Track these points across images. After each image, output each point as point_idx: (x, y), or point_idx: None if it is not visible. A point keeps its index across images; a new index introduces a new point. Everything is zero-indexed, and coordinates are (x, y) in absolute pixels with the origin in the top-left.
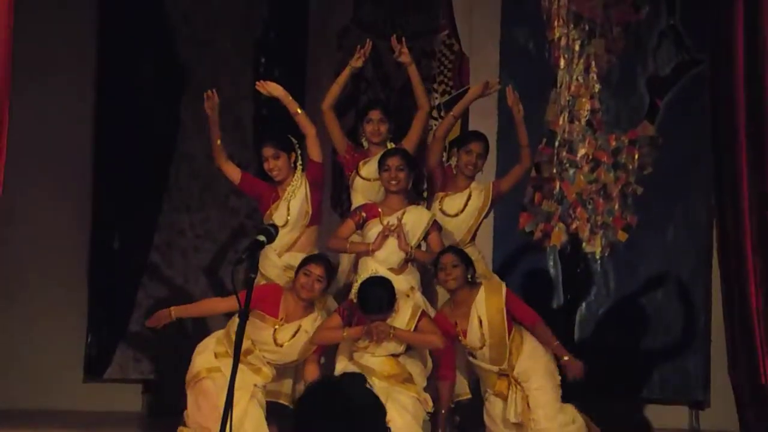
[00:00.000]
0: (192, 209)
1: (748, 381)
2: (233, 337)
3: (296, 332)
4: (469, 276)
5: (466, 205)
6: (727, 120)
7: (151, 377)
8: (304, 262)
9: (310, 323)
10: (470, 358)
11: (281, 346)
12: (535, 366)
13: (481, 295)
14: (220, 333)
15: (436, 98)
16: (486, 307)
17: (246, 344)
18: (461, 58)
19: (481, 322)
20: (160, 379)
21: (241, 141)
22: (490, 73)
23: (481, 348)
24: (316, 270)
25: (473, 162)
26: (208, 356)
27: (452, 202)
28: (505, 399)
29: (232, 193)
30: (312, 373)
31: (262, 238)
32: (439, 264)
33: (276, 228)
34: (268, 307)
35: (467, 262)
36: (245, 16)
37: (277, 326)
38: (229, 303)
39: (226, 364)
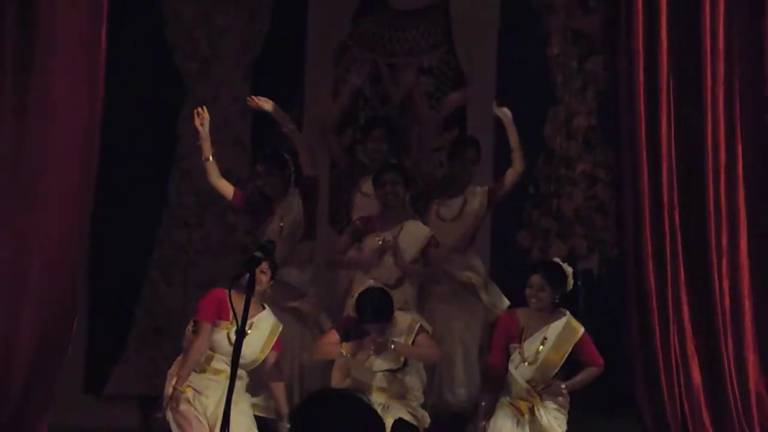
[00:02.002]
0: (191, 225)
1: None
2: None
3: (249, 328)
4: (556, 298)
5: (462, 210)
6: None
7: (149, 393)
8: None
9: (263, 321)
10: (510, 366)
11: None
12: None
13: (561, 324)
14: (179, 358)
15: (434, 115)
16: (558, 336)
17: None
18: (459, 75)
19: (544, 343)
20: (158, 395)
21: (240, 157)
22: (487, 90)
23: (529, 363)
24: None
25: (466, 168)
26: (173, 379)
27: (448, 207)
28: (521, 415)
29: (231, 209)
30: (279, 388)
31: (259, 254)
32: (528, 281)
33: (273, 244)
34: (222, 313)
35: (556, 285)
36: (245, 33)
37: (229, 328)
38: (205, 336)
39: (191, 377)
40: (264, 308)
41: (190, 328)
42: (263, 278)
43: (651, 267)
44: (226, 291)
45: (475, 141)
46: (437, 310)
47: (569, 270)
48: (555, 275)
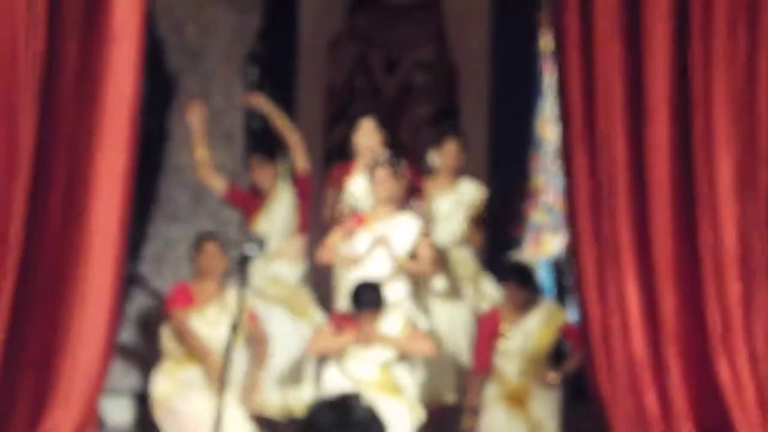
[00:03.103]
0: (182, 221)
1: None
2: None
3: (218, 310)
4: (533, 297)
5: (454, 203)
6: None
7: (139, 388)
8: (197, 244)
9: (226, 298)
10: (498, 361)
11: (208, 326)
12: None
13: (543, 312)
14: (168, 362)
15: (427, 109)
16: (541, 324)
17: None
18: (451, 69)
19: (529, 333)
20: (149, 391)
21: (232, 152)
22: (479, 83)
23: (516, 355)
24: (211, 246)
25: (453, 162)
26: (162, 379)
27: (439, 203)
28: (513, 408)
29: (222, 204)
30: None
31: (252, 249)
32: (502, 289)
33: (265, 241)
34: (187, 301)
35: (528, 285)
36: (236, 27)
37: (198, 313)
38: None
39: (175, 373)
40: (226, 288)
41: (166, 328)
42: (217, 259)
43: (592, 249)
44: (184, 282)
45: (460, 132)
46: (434, 304)
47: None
48: (524, 277)
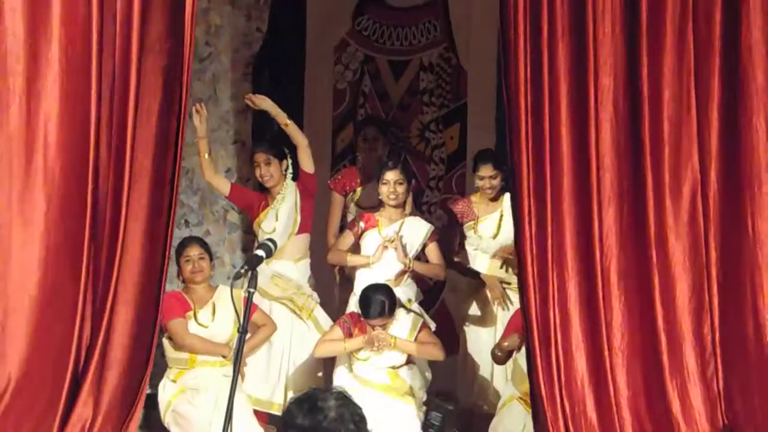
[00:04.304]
0: (191, 224)
1: None
2: (171, 354)
3: (213, 309)
4: None
5: (499, 225)
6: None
7: (148, 391)
8: (179, 252)
9: (221, 295)
10: (519, 359)
11: (208, 327)
12: None
13: None
14: (174, 371)
15: (435, 112)
16: None
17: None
18: (459, 71)
19: None
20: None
21: (240, 155)
22: (487, 86)
23: None
24: (193, 251)
25: (489, 186)
26: (168, 386)
27: (486, 226)
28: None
29: (231, 207)
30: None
31: (261, 253)
32: None
33: (275, 243)
34: (183, 308)
35: None
36: (244, 31)
37: (191, 317)
38: (186, 328)
39: (180, 380)
40: (216, 287)
41: (167, 339)
42: (203, 265)
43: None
44: (176, 291)
45: (487, 158)
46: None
47: None
48: None
